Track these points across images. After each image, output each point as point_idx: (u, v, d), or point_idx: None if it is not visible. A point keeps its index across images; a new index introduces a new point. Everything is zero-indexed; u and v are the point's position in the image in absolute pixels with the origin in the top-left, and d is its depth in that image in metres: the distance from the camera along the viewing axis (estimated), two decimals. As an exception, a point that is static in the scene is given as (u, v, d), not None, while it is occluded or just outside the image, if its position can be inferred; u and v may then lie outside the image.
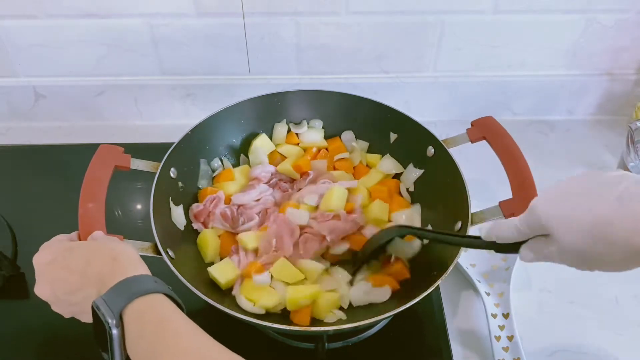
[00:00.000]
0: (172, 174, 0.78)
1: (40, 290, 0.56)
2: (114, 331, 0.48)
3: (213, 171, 0.87)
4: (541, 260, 0.53)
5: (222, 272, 0.73)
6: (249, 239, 0.76)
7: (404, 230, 0.73)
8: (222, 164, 0.88)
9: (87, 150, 0.71)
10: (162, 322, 0.49)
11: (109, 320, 0.48)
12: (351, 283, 0.75)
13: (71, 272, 0.55)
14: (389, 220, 0.81)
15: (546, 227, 0.49)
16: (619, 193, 0.45)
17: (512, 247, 0.55)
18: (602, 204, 0.45)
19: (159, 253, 0.66)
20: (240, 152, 0.90)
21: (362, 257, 0.75)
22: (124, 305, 0.49)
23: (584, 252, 0.47)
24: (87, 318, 0.54)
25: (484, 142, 0.77)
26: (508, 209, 0.68)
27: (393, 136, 0.88)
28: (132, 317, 0.49)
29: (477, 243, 0.60)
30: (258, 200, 0.82)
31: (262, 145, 0.88)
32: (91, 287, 0.53)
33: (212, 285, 0.74)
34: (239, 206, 0.81)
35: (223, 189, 0.83)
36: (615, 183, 0.46)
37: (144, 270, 0.55)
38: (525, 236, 0.53)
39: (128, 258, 0.56)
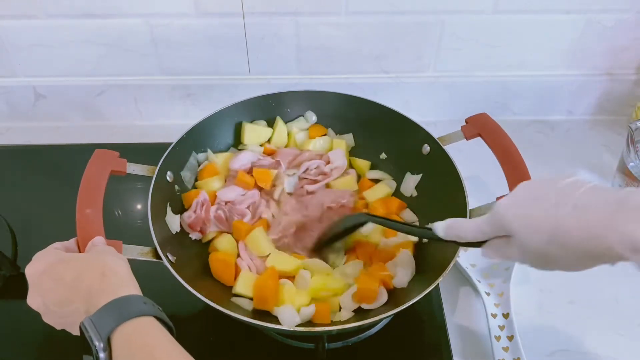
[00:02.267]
0: (168, 178, 0.78)
1: (32, 300, 0.55)
2: (101, 355, 0.48)
3: (199, 164, 0.86)
4: (502, 259, 0.55)
5: (246, 286, 0.72)
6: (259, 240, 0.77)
7: (367, 218, 0.73)
8: (207, 159, 0.87)
9: (87, 151, 0.71)
10: (151, 348, 0.49)
11: (97, 344, 0.48)
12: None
13: (61, 284, 0.54)
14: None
15: (508, 230, 0.52)
16: (575, 201, 0.47)
17: (473, 243, 0.57)
18: (560, 211, 0.48)
19: (159, 257, 0.66)
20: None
21: (323, 239, 0.77)
22: (113, 328, 0.49)
23: (544, 254, 0.50)
24: (77, 331, 0.54)
25: (480, 139, 0.77)
26: None
27: (383, 151, 0.90)
28: (120, 341, 0.49)
29: (435, 237, 0.60)
30: (244, 194, 0.83)
31: (251, 131, 0.89)
32: (80, 301, 0.53)
33: (213, 287, 0.74)
34: (226, 202, 0.81)
35: (206, 186, 0.83)
36: (572, 190, 0.48)
37: (134, 288, 0.54)
38: (487, 237, 0.55)
39: (118, 275, 0.55)
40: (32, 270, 0.56)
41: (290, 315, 0.68)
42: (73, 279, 0.54)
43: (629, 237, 0.43)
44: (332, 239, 0.77)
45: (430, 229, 0.61)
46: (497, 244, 0.55)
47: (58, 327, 0.56)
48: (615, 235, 0.43)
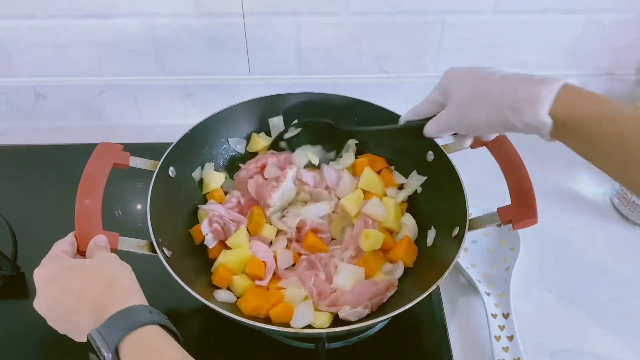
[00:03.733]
0: (170, 173, 0.78)
1: (39, 305, 0.56)
2: None
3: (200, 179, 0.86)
4: (440, 132, 0.66)
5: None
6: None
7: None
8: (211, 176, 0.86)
9: (87, 150, 0.71)
10: (158, 355, 0.50)
11: (105, 354, 0.49)
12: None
13: (68, 293, 0.55)
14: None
15: (448, 89, 0.63)
16: (505, 74, 0.58)
17: (420, 130, 0.68)
18: (491, 77, 0.59)
19: (154, 251, 0.66)
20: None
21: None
22: (120, 338, 0.49)
23: (465, 108, 0.61)
24: (81, 337, 0.55)
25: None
26: (506, 215, 0.68)
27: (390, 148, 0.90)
28: (128, 351, 0.49)
29: (397, 128, 0.72)
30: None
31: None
32: (87, 310, 0.54)
33: (211, 286, 0.74)
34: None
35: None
36: (502, 72, 0.59)
37: (140, 298, 0.55)
38: (438, 104, 0.66)
39: (125, 285, 0.56)
40: (40, 277, 0.57)
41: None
42: (80, 289, 0.55)
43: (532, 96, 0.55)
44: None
45: (391, 125, 0.74)
46: (437, 116, 0.65)
47: (61, 332, 0.57)
48: (523, 93, 0.55)
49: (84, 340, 0.52)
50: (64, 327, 0.56)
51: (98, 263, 0.59)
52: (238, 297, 0.73)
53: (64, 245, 0.61)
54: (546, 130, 0.55)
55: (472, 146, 0.76)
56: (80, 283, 0.55)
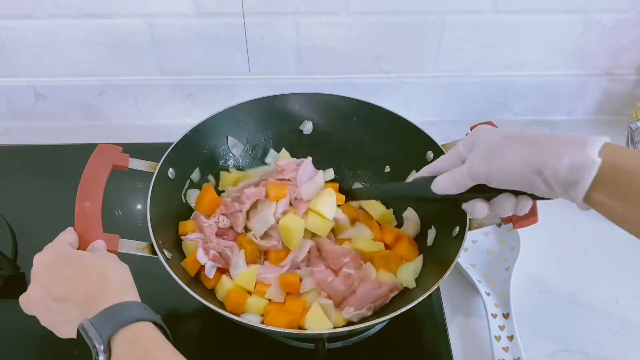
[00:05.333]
0: (170, 175, 0.78)
1: (32, 289, 0.56)
2: (101, 357, 0.49)
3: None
4: (454, 183, 0.58)
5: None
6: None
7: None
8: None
9: (87, 150, 0.71)
10: (150, 352, 0.50)
11: (97, 346, 0.49)
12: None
13: (62, 281, 0.55)
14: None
15: (475, 139, 0.57)
16: (519, 136, 0.53)
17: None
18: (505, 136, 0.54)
19: (155, 253, 0.66)
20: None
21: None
22: (113, 332, 0.49)
23: (497, 149, 0.54)
24: (65, 332, 0.55)
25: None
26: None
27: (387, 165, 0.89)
28: (120, 345, 0.49)
29: (428, 194, 0.62)
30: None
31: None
32: (76, 301, 0.54)
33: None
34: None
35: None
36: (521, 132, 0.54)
37: (134, 295, 0.55)
38: (456, 162, 0.60)
39: (120, 281, 0.56)
40: (39, 261, 0.57)
41: None
42: (75, 278, 0.55)
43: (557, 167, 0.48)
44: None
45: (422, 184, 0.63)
46: (453, 171, 0.59)
47: (45, 322, 0.56)
48: (568, 138, 0.50)
49: (68, 335, 0.53)
50: (51, 318, 0.56)
51: (98, 257, 0.59)
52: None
53: (69, 236, 0.62)
54: (590, 177, 0.47)
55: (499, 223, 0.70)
56: (77, 272, 0.55)
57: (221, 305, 0.71)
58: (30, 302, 0.57)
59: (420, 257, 0.76)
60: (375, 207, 0.85)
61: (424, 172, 0.64)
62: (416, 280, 0.73)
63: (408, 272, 0.74)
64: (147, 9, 0.93)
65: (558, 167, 0.48)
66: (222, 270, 0.75)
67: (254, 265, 0.74)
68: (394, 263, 0.75)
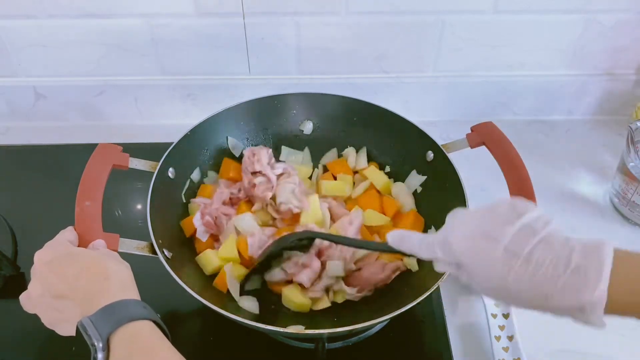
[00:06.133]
0: (170, 174, 0.78)
1: (33, 287, 0.56)
2: (100, 355, 0.48)
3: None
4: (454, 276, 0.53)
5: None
6: None
7: (313, 234, 0.71)
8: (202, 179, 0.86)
9: (87, 150, 0.71)
10: (150, 350, 0.50)
11: (96, 343, 0.48)
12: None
13: (62, 279, 0.55)
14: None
15: (460, 262, 0.50)
16: (526, 255, 0.46)
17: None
18: (512, 263, 0.46)
19: (155, 253, 0.66)
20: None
21: (256, 262, 0.73)
22: (112, 330, 0.49)
23: (494, 296, 0.51)
24: (65, 330, 0.55)
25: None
26: None
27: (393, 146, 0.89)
28: (119, 343, 0.49)
29: (386, 249, 0.57)
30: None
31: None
32: (76, 299, 0.54)
33: (211, 287, 0.74)
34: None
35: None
36: (526, 237, 0.47)
37: (134, 293, 0.55)
38: (439, 259, 0.53)
39: (120, 279, 0.56)
40: (40, 258, 0.57)
41: None
42: (75, 276, 0.55)
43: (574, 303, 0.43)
44: (265, 262, 0.73)
45: (383, 243, 0.57)
46: (449, 267, 0.52)
47: (46, 320, 0.56)
48: (563, 300, 0.44)
49: (68, 333, 0.53)
50: (51, 315, 0.56)
51: (99, 256, 0.59)
52: (259, 303, 0.74)
53: (69, 234, 0.62)
54: (600, 309, 0.42)
55: (471, 146, 0.76)
56: (77, 270, 0.55)
57: (219, 301, 0.71)
58: (30, 299, 0.57)
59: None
60: (378, 178, 0.86)
61: (404, 248, 0.55)
62: (416, 280, 0.73)
63: None
64: (147, 9, 0.93)
65: (562, 313, 0.46)
66: (216, 238, 0.80)
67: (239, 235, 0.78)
68: None
